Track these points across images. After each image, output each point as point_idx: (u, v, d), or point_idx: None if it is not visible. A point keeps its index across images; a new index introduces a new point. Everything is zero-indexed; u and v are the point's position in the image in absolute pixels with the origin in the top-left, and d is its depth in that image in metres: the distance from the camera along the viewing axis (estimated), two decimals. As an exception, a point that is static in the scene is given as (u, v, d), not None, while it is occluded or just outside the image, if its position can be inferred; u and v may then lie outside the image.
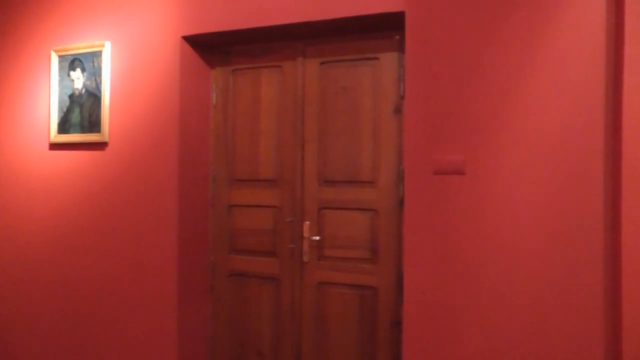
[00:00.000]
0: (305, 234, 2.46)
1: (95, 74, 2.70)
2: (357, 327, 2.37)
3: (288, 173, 2.52)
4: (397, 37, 2.30)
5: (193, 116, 2.59)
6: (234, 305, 2.67)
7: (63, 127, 2.83)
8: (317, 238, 2.44)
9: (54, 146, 2.87)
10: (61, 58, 2.82)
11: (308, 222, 2.46)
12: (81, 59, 2.74)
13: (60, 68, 2.82)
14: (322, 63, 2.47)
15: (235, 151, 2.67)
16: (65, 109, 2.82)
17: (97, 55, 2.68)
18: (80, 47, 2.73)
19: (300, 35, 2.43)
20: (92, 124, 2.72)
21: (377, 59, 2.35)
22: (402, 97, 2.25)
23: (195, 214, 2.62)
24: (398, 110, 2.29)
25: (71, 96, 2.80)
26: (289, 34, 2.42)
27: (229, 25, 2.39)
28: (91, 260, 2.74)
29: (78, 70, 2.76)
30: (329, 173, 2.43)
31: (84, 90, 2.75)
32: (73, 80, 2.78)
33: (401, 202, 2.27)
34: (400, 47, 2.28)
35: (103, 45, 2.65)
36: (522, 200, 1.81)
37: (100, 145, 2.70)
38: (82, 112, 2.76)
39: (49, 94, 2.89)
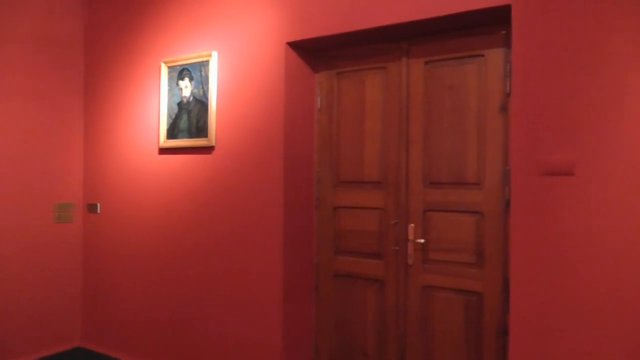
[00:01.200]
0: (410, 237, 2.81)
1: (202, 82, 3.25)
2: (462, 334, 2.68)
3: (392, 174, 2.89)
4: (503, 32, 2.57)
5: (298, 120, 3.04)
6: (338, 305, 3.10)
7: (172, 133, 3.43)
8: (422, 241, 2.78)
9: (163, 150, 3.50)
10: (170, 69, 3.42)
11: (413, 225, 2.81)
12: (189, 68, 3.32)
13: (170, 78, 3.43)
14: (426, 63, 2.80)
15: (340, 153, 3.10)
16: (173, 116, 3.42)
17: (204, 64, 3.23)
18: (188, 57, 3.31)
19: (403, 35, 2.78)
20: (199, 129, 3.28)
21: (482, 56, 2.64)
22: (508, 95, 2.53)
23: (300, 215, 3.07)
24: (504, 108, 2.57)
25: (179, 104, 3.39)
26: (392, 34, 2.78)
27: (332, 29, 2.80)
28: (198, 259, 3.32)
29: (186, 79, 3.34)
30: (433, 174, 2.76)
31: (191, 98, 3.32)
32: (181, 89, 3.37)
33: (507, 205, 2.54)
34: (507, 43, 2.55)
35: (210, 55, 3.19)
36: (638, 204, 1.98)
37: (207, 150, 3.25)
38: (189, 118, 3.33)
39: (159, 102, 3.52)
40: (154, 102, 3.58)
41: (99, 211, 3.97)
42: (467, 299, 2.67)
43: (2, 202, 3.57)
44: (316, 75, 3.18)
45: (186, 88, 3.36)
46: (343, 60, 3.08)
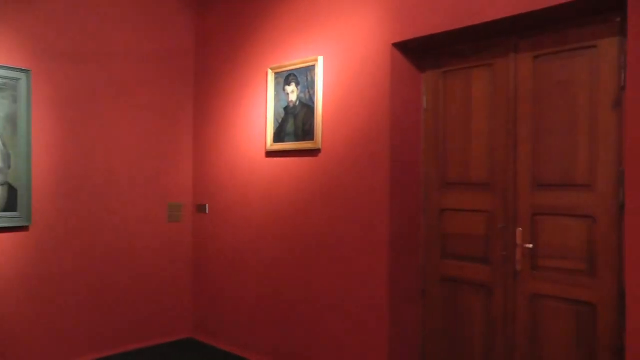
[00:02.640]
0: (518, 241, 3.15)
1: (308, 87, 3.85)
2: (574, 349, 2.97)
3: (500, 176, 3.26)
4: (618, 19, 2.83)
5: (404, 121, 3.53)
6: (445, 311, 3.53)
7: (278, 137, 4.08)
8: (531, 246, 3.11)
9: (270, 154, 4.19)
10: (277, 75, 4.08)
11: (521, 229, 3.15)
12: (296, 74, 3.94)
13: (277, 84, 4.08)
14: (535, 57, 3.14)
15: (447, 154, 3.54)
16: (280, 120, 4.06)
17: (310, 69, 3.83)
18: (294, 63, 3.94)
19: (511, 29, 3.17)
20: (306, 132, 3.87)
21: (594, 47, 2.93)
22: (623, 88, 2.78)
23: (406, 217, 3.57)
24: (618, 103, 2.82)
25: (286, 108, 4.02)
26: (500, 29, 3.17)
27: (438, 27, 3.26)
28: (303, 260, 3.96)
29: (293, 84, 3.96)
30: (543, 176, 3.10)
31: (298, 102, 3.93)
32: (288, 94, 4.00)
33: (621, 208, 2.79)
34: (622, 31, 2.82)
35: (316, 60, 3.79)
36: None
37: (314, 152, 3.83)
38: (296, 122, 3.95)
39: (265, 107, 4.21)
40: (261, 107, 4.28)
41: (207, 211, 4.85)
42: (579, 310, 2.96)
43: (124, 201, 4.59)
44: (422, 75, 3.64)
45: (293, 93, 3.99)
46: (449, 58, 3.50)
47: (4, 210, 3.93)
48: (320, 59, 3.81)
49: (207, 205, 4.87)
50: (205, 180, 4.89)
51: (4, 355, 3.95)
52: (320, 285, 3.84)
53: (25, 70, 4.00)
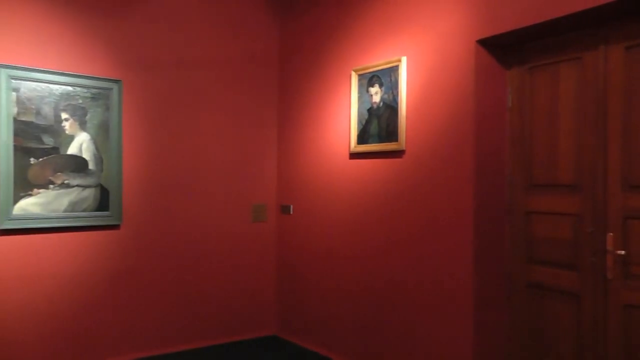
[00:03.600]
0: (609, 247, 2.93)
1: (392, 88, 3.81)
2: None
3: (589, 177, 3.05)
4: None
5: (488, 121, 3.41)
6: (531, 318, 3.36)
7: (362, 138, 4.06)
8: (623, 252, 2.88)
9: (354, 155, 4.18)
10: (361, 76, 4.07)
11: (611, 234, 2.93)
12: (379, 75, 3.91)
13: (360, 85, 4.07)
14: (627, 48, 2.93)
15: (532, 154, 3.37)
16: (364, 122, 4.04)
17: (393, 70, 3.79)
18: (378, 64, 3.92)
19: (601, 19, 2.96)
20: (390, 133, 3.82)
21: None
22: None
23: (491, 220, 3.44)
24: None
25: (369, 110, 3.99)
26: (588, 19, 2.97)
27: (523, 21, 3.12)
28: (386, 262, 3.92)
29: (376, 85, 3.93)
30: (635, 176, 2.87)
31: (381, 104, 3.89)
32: (371, 95, 3.97)
33: None
34: None
35: (400, 61, 3.75)
36: None
37: (397, 154, 3.78)
38: (379, 123, 3.91)
39: (349, 109, 4.21)
40: (345, 109, 4.29)
41: (291, 212, 4.93)
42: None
43: (210, 202, 4.80)
44: (507, 72, 3.48)
45: (376, 94, 3.95)
46: (535, 54, 3.34)
47: (97, 210, 4.26)
48: (404, 59, 3.75)
49: (291, 206, 4.95)
50: (290, 182, 4.98)
51: (98, 343, 4.28)
52: (404, 287, 3.78)
53: (116, 80, 4.32)
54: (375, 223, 4.00)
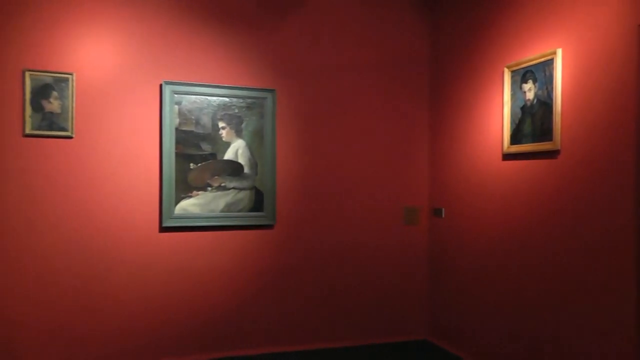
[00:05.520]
0: None
1: (546, 83, 3.52)
2: None
3: None
4: None
5: (655, 116, 2.99)
6: None
7: (515, 138, 3.79)
8: None
9: (507, 156, 3.91)
10: (514, 73, 3.81)
11: None
12: (533, 70, 3.63)
13: (513, 82, 3.81)
14: None
15: None
16: (517, 121, 3.78)
17: (548, 63, 3.50)
18: (531, 59, 3.64)
19: None
20: (543, 132, 3.54)
21: None
22: None
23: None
24: None
25: (522, 107, 3.73)
26: None
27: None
28: (541, 270, 3.58)
29: (530, 81, 3.66)
30: None
31: (535, 101, 3.61)
32: (525, 92, 3.70)
33: None
34: None
35: (554, 53, 3.44)
36: None
37: (552, 154, 3.48)
38: (533, 121, 3.63)
39: (501, 107, 3.94)
40: (496, 108, 4.04)
41: (443, 215, 4.73)
42: None
43: (361, 204, 4.79)
44: (684, 59, 3.05)
45: (530, 91, 3.68)
46: None
47: (252, 211, 4.47)
48: (559, 52, 3.44)
49: (443, 209, 4.76)
50: (441, 184, 4.80)
51: (249, 335, 4.49)
52: (561, 300, 3.42)
53: (270, 90, 4.50)
54: (529, 229, 3.67)
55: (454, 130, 4.61)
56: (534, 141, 3.65)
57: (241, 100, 4.39)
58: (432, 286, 4.94)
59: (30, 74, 3.86)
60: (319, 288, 4.66)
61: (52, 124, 3.91)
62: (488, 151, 4.14)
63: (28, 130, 3.86)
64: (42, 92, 3.88)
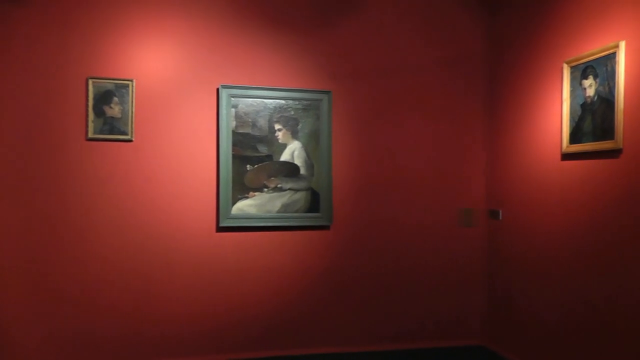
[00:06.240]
0: None
1: (608, 78, 3.33)
2: None
3: None
4: None
5: None
6: None
7: (575, 137, 3.63)
8: None
9: (566, 156, 3.75)
10: (573, 68, 3.64)
11: None
12: (593, 65, 3.45)
13: (572, 78, 3.64)
14: None
15: None
16: (576, 119, 3.60)
17: (610, 58, 3.31)
18: (592, 53, 3.47)
19: None
20: (605, 131, 3.35)
21: None
22: None
23: None
24: None
25: (582, 105, 3.54)
26: None
27: None
28: (603, 276, 3.39)
29: (590, 77, 3.48)
30: None
31: (596, 97, 3.43)
32: (585, 89, 3.52)
33: None
34: None
35: (617, 46, 3.25)
36: None
37: (613, 153, 3.29)
38: (593, 119, 3.45)
39: (560, 105, 3.79)
40: (554, 106, 3.87)
41: (500, 217, 4.57)
42: None
43: (416, 205, 4.73)
44: None
45: (590, 87, 3.49)
46: None
47: (308, 212, 4.50)
48: (622, 44, 3.23)
49: (500, 211, 4.59)
50: (498, 185, 4.63)
51: (304, 333, 4.53)
52: (630, 303, 3.22)
53: (326, 91, 4.52)
54: (591, 232, 3.48)
55: (511, 128, 4.44)
56: (594, 140, 3.45)
57: (297, 102, 4.43)
58: (489, 290, 4.77)
59: (93, 82, 4.08)
60: (374, 289, 4.62)
61: (113, 128, 4.11)
62: (546, 151, 3.96)
63: (91, 135, 4.07)
64: (104, 98, 4.10)
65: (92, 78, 4.07)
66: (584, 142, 3.54)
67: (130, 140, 4.14)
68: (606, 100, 3.35)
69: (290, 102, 4.41)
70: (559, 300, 3.80)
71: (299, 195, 4.44)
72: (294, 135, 4.43)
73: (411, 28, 4.72)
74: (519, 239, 4.30)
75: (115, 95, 4.11)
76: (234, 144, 4.31)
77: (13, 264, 3.99)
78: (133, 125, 4.14)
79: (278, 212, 4.40)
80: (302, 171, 4.44)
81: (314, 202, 4.47)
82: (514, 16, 4.46)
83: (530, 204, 4.15)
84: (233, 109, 4.31)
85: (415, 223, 4.71)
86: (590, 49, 3.51)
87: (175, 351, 4.23)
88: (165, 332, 4.22)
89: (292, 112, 4.42)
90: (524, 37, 4.28)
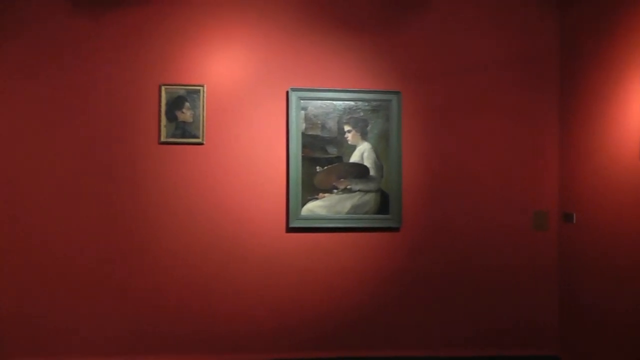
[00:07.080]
0: None
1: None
2: None
3: None
4: None
5: None
6: None
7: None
8: None
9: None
10: None
11: None
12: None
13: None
14: None
15: None
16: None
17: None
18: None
19: None
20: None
21: None
22: None
23: None
24: None
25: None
26: None
27: None
28: None
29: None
30: None
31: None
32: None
33: None
34: None
35: None
36: None
37: None
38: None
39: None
40: (634, 104, 3.61)
41: (574, 221, 4.31)
42: None
43: (487, 207, 4.56)
44: None
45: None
46: None
47: (377, 213, 4.45)
48: None
49: (574, 214, 4.31)
50: (573, 188, 4.35)
51: (371, 338, 4.47)
52: None
53: (395, 92, 4.45)
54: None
55: (586, 128, 4.17)
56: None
57: (366, 104, 4.39)
58: (564, 298, 4.49)
59: (166, 88, 4.26)
60: (443, 293, 4.51)
61: (184, 132, 4.26)
62: (625, 152, 3.69)
63: (163, 138, 4.25)
64: (176, 103, 4.25)
65: (164, 85, 4.24)
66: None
67: (201, 144, 4.26)
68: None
69: (360, 103, 4.38)
70: (638, 309, 3.56)
71: (369, 197, 4.40)
72: (364, 136, 4.40)
73: (481, 27, 4.57)
74: (594, 243, 4.03)
75: (187, 101, 4.25)
76: (304, 146, 4.33)
77: (89, 264, 4.23)
78: (204, 129, 4.26)
79: (347, 213, 4.38)
80: (372, 172, 4.40)
81: (383, 204, 4.42)
82: (585, 9, 4.21)
83: (607, 207, 3.88)
84: (302, 112, 4.33)
85: (486, 226, 4.54)
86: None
87: (246, 347, 4.33)
88: (235, 329, 4.31)
89: (362, 114, 4.39)
90: (600, 34, 4.01)
